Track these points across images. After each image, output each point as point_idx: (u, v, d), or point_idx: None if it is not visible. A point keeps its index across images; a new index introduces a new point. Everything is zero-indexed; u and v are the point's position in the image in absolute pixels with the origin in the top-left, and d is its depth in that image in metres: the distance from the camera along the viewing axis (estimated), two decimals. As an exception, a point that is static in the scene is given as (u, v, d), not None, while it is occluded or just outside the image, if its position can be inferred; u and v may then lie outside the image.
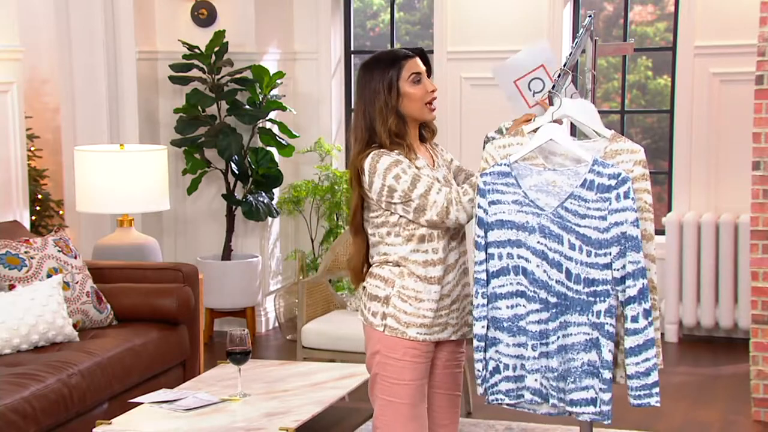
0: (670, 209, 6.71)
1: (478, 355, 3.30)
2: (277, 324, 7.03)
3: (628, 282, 3.09)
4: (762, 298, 5.04)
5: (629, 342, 3.12)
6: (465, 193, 3.19)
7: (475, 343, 3.31)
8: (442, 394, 3.38)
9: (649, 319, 3.11)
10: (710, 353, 6.34)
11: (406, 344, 3.22)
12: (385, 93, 3.17)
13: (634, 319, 3.11)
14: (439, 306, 3.24)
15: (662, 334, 6.62)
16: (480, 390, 3.37)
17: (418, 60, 3.21)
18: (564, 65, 3.32)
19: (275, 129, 6.69)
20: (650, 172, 3.37)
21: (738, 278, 6.36)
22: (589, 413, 3.15)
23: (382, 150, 3.17)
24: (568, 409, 3.19)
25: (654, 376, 3.12)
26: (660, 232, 6.61)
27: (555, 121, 3.23)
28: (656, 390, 3.13)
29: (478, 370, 3.33)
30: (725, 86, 6.44)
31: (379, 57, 3.23)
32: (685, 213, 6.51)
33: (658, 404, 3.14)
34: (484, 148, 3.37)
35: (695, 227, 6.40)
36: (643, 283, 3.09)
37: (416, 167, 3.20)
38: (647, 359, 3.11)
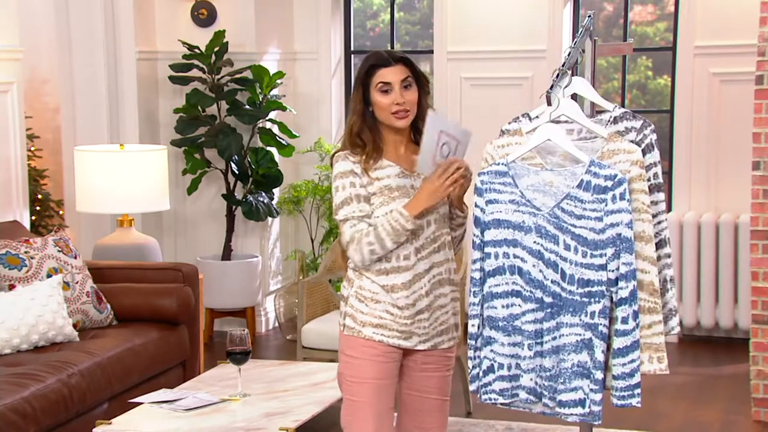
0: (670, 209, 6.70)
1: (470, 353, 3.31)
2: (277, 324, 7.03)
3: (621, 283, 3.11)
4: (762, 298, 5.04)
5: (618, 343, 3.14)
6: (366, 234, 3.14)
7: (470, 342, 3.32)
8: (424, 398, 3.31)
9: (637, 320, 3.13)
10: (710, 353, 6.34)
11: (362, 343, 3.20)
12: (357, 96, 3.20)
13: (624, 321, 3.13)
14: (403, 314, 3.19)
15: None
16: (472, 387, 3.37)
17: (391, 69, 3.16)
18: (562, 65, 3.32)
19: (275, 129, 6.69)
20: (650, 172, 3.38)
21: (738, 278, 6.36)
22: (577, 414, 3.16)
23: (341, 153, 3.20)
24: (557, 410, 3.20)
25: (637, 377, 3.15)
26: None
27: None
28: (638, 390, 3.16)
29: (473, 369, 3.34)
30: (725, 86, 6.44)
31: (366, 57, 3.23)
32: (685, 213, 6.51)
33: (639, 405, 3.17)
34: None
35: (695, 227, 6.40)
36: (633, 285, 3.11)
37: (369, 177, 3.15)
38: (633, 360, 3.14)
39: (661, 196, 3.35)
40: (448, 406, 3.39)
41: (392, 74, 3.15)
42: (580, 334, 3.15)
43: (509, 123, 3.47)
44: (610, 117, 3.36)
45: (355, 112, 3.20)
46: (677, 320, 3.41)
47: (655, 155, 3.32)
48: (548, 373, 3.20)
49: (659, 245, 3.39)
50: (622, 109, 3.38)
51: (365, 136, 3.18)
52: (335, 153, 3.23)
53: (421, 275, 3.20)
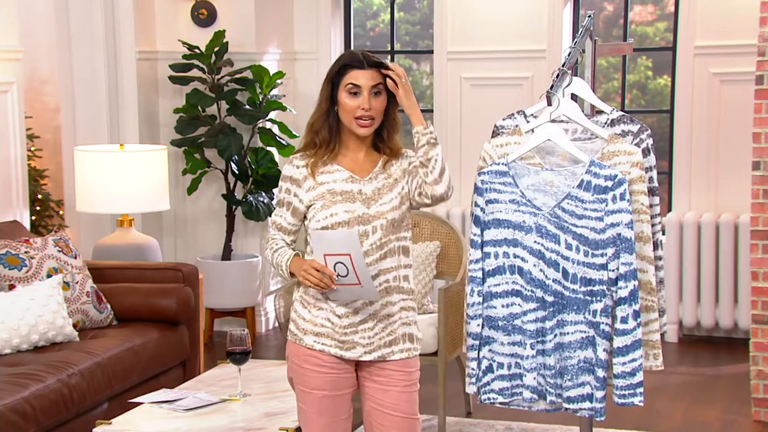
0: (670, 209, 6.71)
1: (471, 354, 3.30)
2: (277, 324, 7.03)
3: (621, 283, 3.12)
4: (762, 298, 5.04)
5: (618, 342, 3.15)
6: (269, 247, 3.16)
7: (470, 341, 3.31)
8: (384, 413, 3.15)
9: (638, 320, 3.14)
10: (710, 353, 6.34)
11: (305, 351, 3.13)
12: (324, 93, 3.11)
13: (624, 320, 3.13)
14: (342, 323, 3.09)
15: (662, 335, 6.62)
16: (473, 389, 3.36)
17: (363, 72, 3.05)
18: (563, 65, 3.33)
19: (275, 129, 6.69)
20: (650, 172, 3.39)
21: (738, 278, 6.36)
22: (585, 409, 3.18)
23: (293, 156, 3.16)
24: (566, 405, 3.21)
25: (639, 377, 3.16)
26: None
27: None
28: (640, 390, 3.17)
29: (472, 369, 3.33)
30: (725, 86, 6.44)
31: (341, 55, 3.15)
32: (685, 213, 6.51)
33: (642, 404, 3.18)
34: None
35: (695, 227, 6.40)
36: (634, 285, 3.12)
37: (314, 180, 3.09)
38: (634, 359, 3.15)
39: (656, 200, 3.37)
40: (413, 425, 3.17)
41: (363, 77, 3.05)
42: (584, 332, 3.16)
43: (503, 119, 3.47)
44: (608, 119, 3.37)
45: (319, 109, 3.13)
46: (665, 320, 3.46)
47: (651, 160, 3.33)
48: (551, 371, 3.21)
49: (653, 248, 3.40)
50: (620, 112, 3.39)
51: (322, 136, 3.11)
52: (294, 152, 3.19)
53: None
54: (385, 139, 3.15)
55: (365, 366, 3.16)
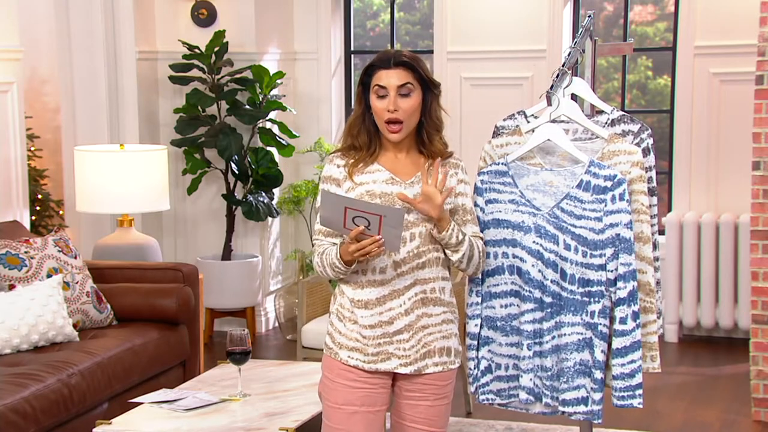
0: (670, 209, 6.71)
1: (470, 354, 3.30)
2: (277, 324, 7.03)
3: (619, 284, 3.11)
4: (762, 298, 5.04)
5: (617, 343, 3.14)
6: (320, 254, 3.00)
7: (468, 341, 3.31)
8: (411, 428, 3.06)
9: (637, 321, 3.14)
10: (710, 353, 6.34)
11: (339, 366, 3.02)
12: (357, 95, 3.04)
13: (623, 321, 3.13)
14: (376, 333, 2.98)
15: (662, 335, 6.62)
16: (471, 389, 3.35)
17: (389, 73, 2.95)
18: (563, 65, 3.33)
19: (275, 129, 6.69)
20: (650, 172, 3.38)
21: (738, 278, 6.36)
22: (580, 412, 3.17)
23: (332, 155, 3.06)
24: (561, 408, 3.21)
25: (638, 378, 3.15)
26: (660, 232, 6.59)
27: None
28: (639, 392, 3.16)
29: (470, 369, 3.33)
30: (725, 86, 6.44)
31: (374, 57, 3.07)
32: (685, 213, 6.51)
33: (641, 405, 3.17)
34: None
35: (695, 227, 6.40)
36: (633, 286, 3.11)
37: (353, 182, 2.99)
38: (633, 361, 3.14)
39: (654, 200, 3.36)
40: None
41: (388, 78, 2.95)
42: (581, 333, 3.16)
43: (504, 120, 3.47)
44: (608, 119, 3.37)
45: (355, 112, 3.04)
46: (661, 322, 3.45)
47: (650, 160, 3.33)
48: (548, 373, 3.20)
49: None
50: (620, 112, 3.39)
51: (362, 140, 3.01)
52: (332, 152, 3.10)
53: (401, 292, 2.98)
54: (426, 141, 3.04)
55: (399, 380, 3.05)
